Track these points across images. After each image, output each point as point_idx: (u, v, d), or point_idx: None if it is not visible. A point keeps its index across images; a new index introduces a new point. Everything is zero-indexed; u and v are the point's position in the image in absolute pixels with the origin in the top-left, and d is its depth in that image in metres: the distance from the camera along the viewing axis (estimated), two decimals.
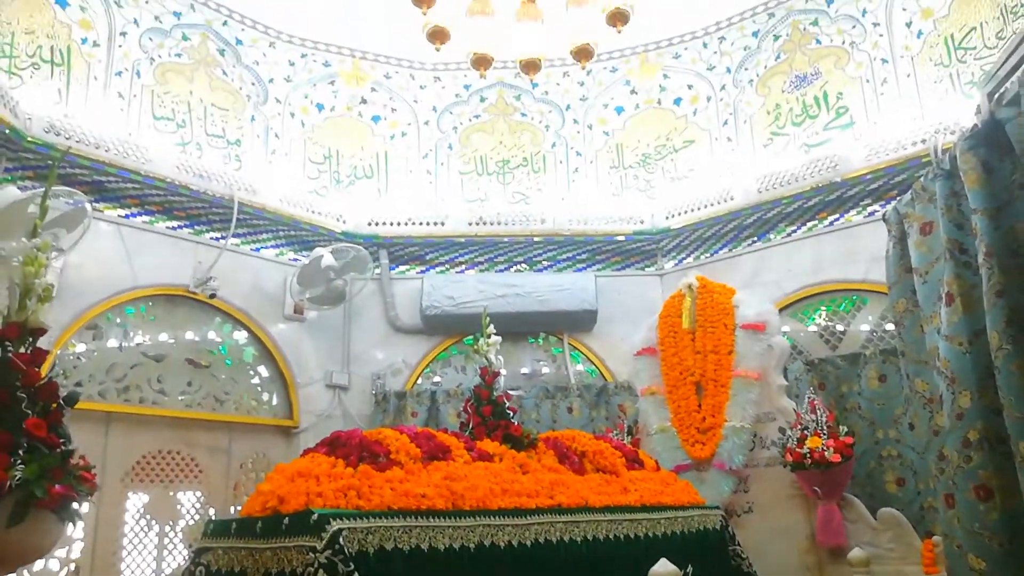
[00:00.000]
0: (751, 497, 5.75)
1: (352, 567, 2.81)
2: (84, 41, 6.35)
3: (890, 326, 6.00)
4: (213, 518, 4.40)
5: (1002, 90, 3.02)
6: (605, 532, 3.88)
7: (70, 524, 2.52)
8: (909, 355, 3.81)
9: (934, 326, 3.47)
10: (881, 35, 6.90)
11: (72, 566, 5.33)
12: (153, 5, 6.77)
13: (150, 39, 6.78)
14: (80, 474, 2.50)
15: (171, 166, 6.43)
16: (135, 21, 6.67)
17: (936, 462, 3.42)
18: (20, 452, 2.36)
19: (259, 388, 6.85)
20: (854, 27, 7.09)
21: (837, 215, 6.79)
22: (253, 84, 7.46)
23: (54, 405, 2.55)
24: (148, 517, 5.88)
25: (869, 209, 6.56)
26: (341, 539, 2.87)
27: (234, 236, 6.77)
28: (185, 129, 6.88)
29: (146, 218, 6.35)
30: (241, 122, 7.33)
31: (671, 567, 2.60)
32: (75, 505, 2.47)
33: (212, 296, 6.41)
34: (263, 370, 6.89)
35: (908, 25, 6.78)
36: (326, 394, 7.14)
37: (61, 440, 2.51)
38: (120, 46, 6.55)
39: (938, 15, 6.61)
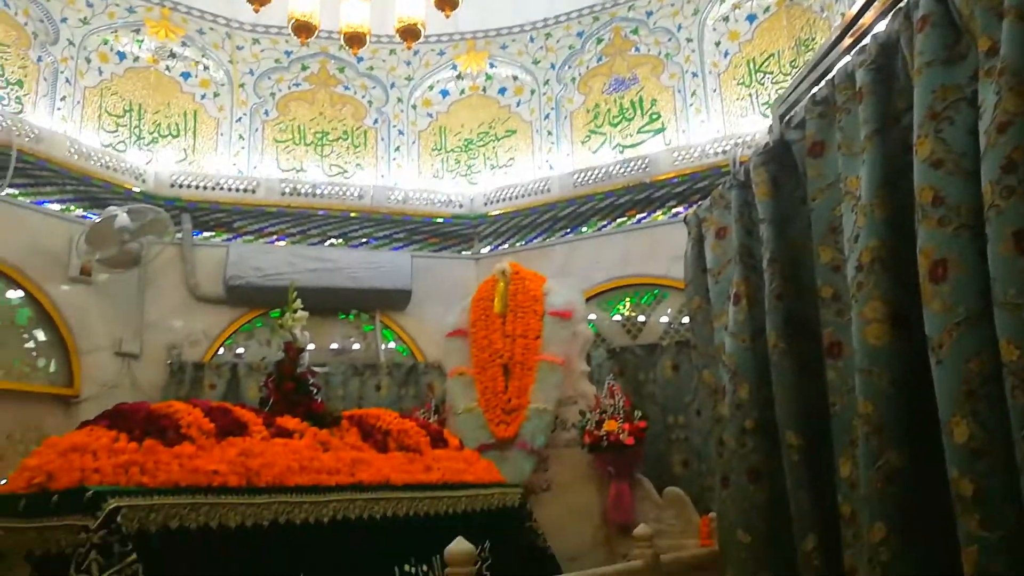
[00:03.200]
0: (550, 476, 5.97)
1: (130, 547, 2.61)
2: None
3: (686, 320, 6.44)
4: None
5: (792, 114, 3.31)
6: (406, 509, 3.88)
7: None
8: (699, 348, 4.09)
9: (722, 323, 3.75)
10: (693, 51, 7.37)
11: None
12: None
13: None
14: None
15: None
16: None
17: (716, 447, 3.71)
18: None
19: (34, 353, 6.21)
20: (670, 39, 7.52)
21: (644, 213, 7.18)
22: (41, 21, 6.72)
23: None
24: None
25: (674, 210, 6.99)
26: (119, 517, 2.66)
27: (11, 186, 6.07)
28: None
29: None
30: (25, 62, 6.58)
31: (467, 545, 2.64)
32: None
33: None
34: (40, 334, 6.25)
35: (717, 44, 7.29)
36: (113, 363, 6.60)
37: None
38: None
39: (743, 39, 7.16)
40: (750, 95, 7.04)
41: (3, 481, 3.43)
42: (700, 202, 4.32)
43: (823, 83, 3.00)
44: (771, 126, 3.49)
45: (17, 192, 6.19)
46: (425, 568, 3.83)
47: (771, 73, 6.94)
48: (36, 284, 6.18)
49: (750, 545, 3.34)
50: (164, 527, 2.81)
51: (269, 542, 3.16)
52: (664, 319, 6.91)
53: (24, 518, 2.85)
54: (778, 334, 3.16)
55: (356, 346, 7.53)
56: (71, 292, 6.41)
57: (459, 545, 2.64)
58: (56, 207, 6.50)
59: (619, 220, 7.29)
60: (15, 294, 6.12)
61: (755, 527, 3.33)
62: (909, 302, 2.34)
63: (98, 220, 6.26)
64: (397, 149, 8.14)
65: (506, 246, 7.79)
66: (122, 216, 6.22)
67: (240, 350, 7.24)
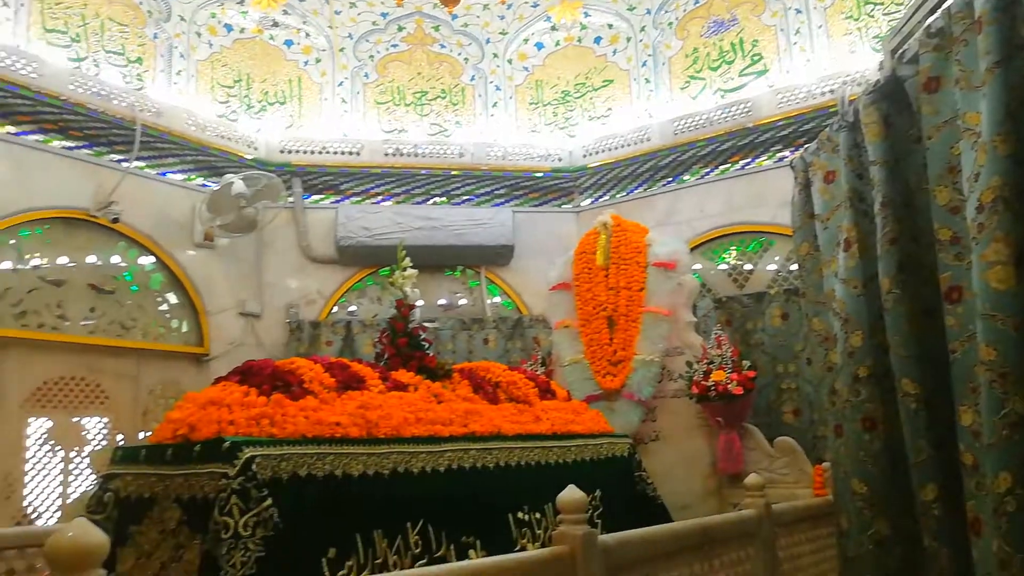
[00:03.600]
0: (658, 426, 6.00)
1: (266, 492, 2.82)
2: None
3: (794, 267, 6.28)
4: (121, 444, 4.32)
5: (904, 48, 3.14)
6: (517, 459, 4.00)
7: None
8: (809, 296, 4.01)
9: (832, 270, 3.66)
10: None
11: None
12: None
13: None
14: None
15: (65, 83, 6.06)
16: None
17: (828, 396, 3.65)
18: None
19: (168, 315, 6.67)
20: None
21: (749, 159, 6.99)
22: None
23: None
24: (52, 443, 5.72)
25: (779, 155, 6.77)
26: (254, 465, 2.87)
27: (138, 159, 6.47)
28: (80, 44, 6.47)
29: (39, 137, 5.99)
30: (142, 40, 6.94)
31: (579, 493, 2.71)
32: None
33: (115, 220, 6.15)
34: (172, 297, 6.70)
35: None
36: (238, 322, 7.01)
37: None
38: None
39: None
40: (859, 30, 6.68)
41: (150, 432, 3.74)
42: (806, 145, 4.19)
43: (938, 13, 2.84)
44: (882, 62, 3.34)
45: (144, 164, 6.59)
46: (538, 516, 3.96)
47: (881, 4, 6.55)
48: (166, 251, 6.61)
49: (866, 495, 3.29)
50: (294, 475, 3.01)
51: (389, 490, 3.33)
52: (772, 267, 6.76)
53: (171, 466, 3.12)
54: (892, 280, 3.07)
55: (463, 301, 7.71)
56: (196, 257, 6.82)
57: (571, 493, 2.71)
58: (179, 177, 6.89)
59: (722, 167, 7.13)
60: (147, 260, 6.56)
61: (871, 476, 3.28)
62: None
63: (217, 188, 6.61)
64: (495, 105, 8.17)
65: (607, 198, 7.75)
66: (238, 183, 6.54)
67: (352, 308, 7.54)
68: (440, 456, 3.62)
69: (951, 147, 2.72)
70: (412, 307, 4.61)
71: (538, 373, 5.82)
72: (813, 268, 3.94)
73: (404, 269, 4.69)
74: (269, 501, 2.83)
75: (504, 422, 4.12)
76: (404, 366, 4.28)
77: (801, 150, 4.15)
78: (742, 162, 7.02)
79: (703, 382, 5.45)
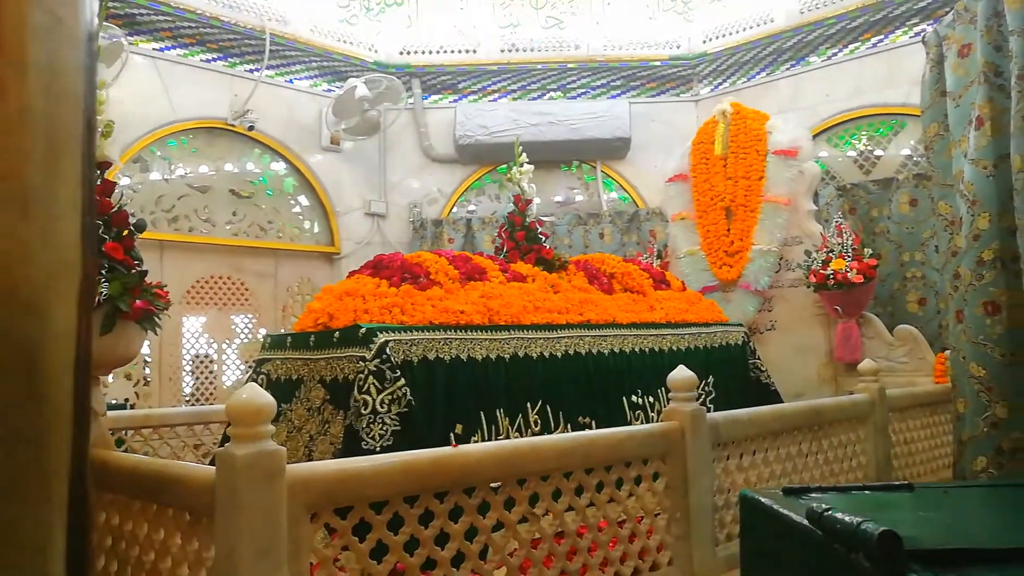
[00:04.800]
0: (774, 316, 6.00)
1: (399, 373, 3.11)
2: None
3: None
4: (268, 334, 4.78)
5: None
6: (631, 346, 4.17)
7: (151, 333, 2.83)
8: (936, 179, 3.88)
9: (962, 150, 3.52)
10: None
11: (143, 378, 5.85)
12: None
13: None
14: (155, 291, 2.76)
15: None
16: None
17: (952, 280, 3.59)
18: (102, 272, 2.62)
19: (300, 217, 7.11)
20: None
21: (881, 36, 6.57)
22: None
23: (126, 232, 2.79)
24: (206, 336, 6.34)
25: (916, 29, 6.32)
26: (388, 349, 3.16)
27: (268, 68, 6.78)
28: None
29: (180, 51, 6.37)
30: None
31: (688, 372, 2.84)
32: (155, 318, 2.76)
33: (251, 128, 6.53)
34: (303, 199, 7.12)
35: None
36: (365, 222, 7.39)
37: (136, 262, 2.76)
38: None
39: None
40: None
41: (294, 320, 4.12)
42: (942, 18, 3.95)
43: None
44: None
45: (273, 73, 6.91)
46: (651, 399, 4.14)
47: None
48: (296, 155, 6.98)
49: (984, 378, 3.28)
50: (423, 358, 3.29)
51: (509, 373, 3.58)
52: (905, 151, 6.42)
53: (314, 351, 3.47)
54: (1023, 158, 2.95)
55: (579, 196, 7.78)
56: (324, 160, 7.18)
57: (681, 372, 2.85)
58: (305, 84, 7.18)
59: (852, 46, 6.73)
60: (280, 166, 6.97)
61: (990, 360, 3.25)
62: None
63: (341, 92, 6.87)
64: None
65: (727, 85, 7.50)
66: (361, 87, 6.77)
67: (472, 207, 7.76)
68: (557, 342, 3.82)
69: None
70: (529, 202, 4.75)
71: (653, 265, 5.91)
72: (942, 149, 3.80)
73: (521, 165, 4.82)
74: (402, 381, 3.12)
75: (618, 311, 4.26)
76: (522, 258, 4.47)
77: (936, 23, 3.92)
78: (874, 39, 6.60)
79: (822, 271, 5.38)
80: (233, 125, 6.50)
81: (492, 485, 2.31)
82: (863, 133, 6.68)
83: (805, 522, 1.06)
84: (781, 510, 1.23)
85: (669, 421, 2.81)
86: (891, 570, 0.76)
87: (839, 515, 0.92)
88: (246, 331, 6.58)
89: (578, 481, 2.52)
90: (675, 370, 2.88)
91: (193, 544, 1.91)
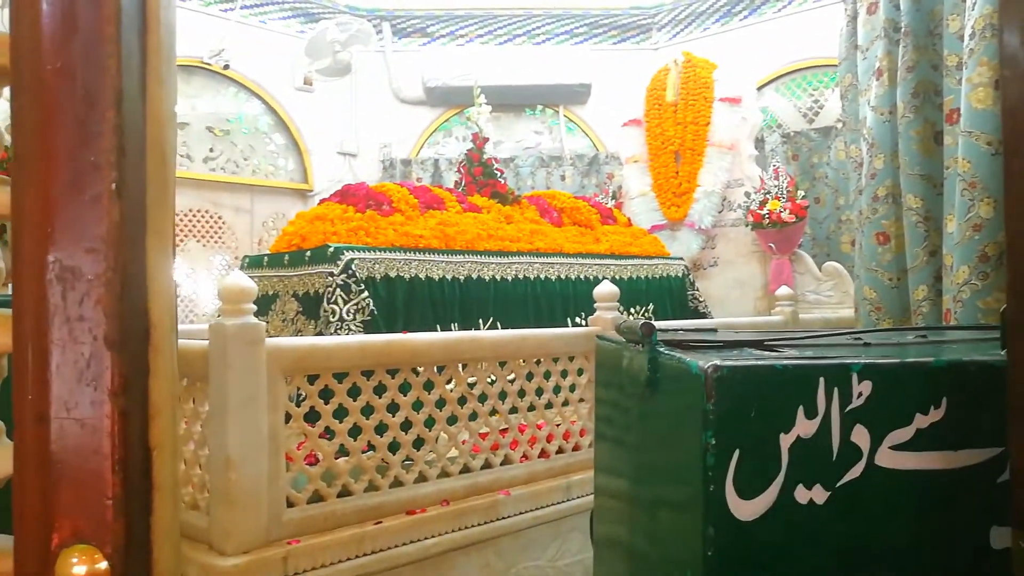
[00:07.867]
0: (717, 253, 6.48)
1: (363, 287, 3.53)
2: None
3: None
4: (246, 255, 5.14)
5: None
6: (577, 273, 4.61)
7: None
8: (848, 125, 4.32)
9: (866, 99, 3.95)
10: None
11: None
12: None
13: None
14: None
15: None
16: None
17: (857, 216, 4.05)
18: None
19: (275, 155, 7.43)
20: None
21: None
22: None
23: None
24: (187, 266, 6.71)
25: None
26: (353, 266, 3.57)
27: (242, 8, 7.02)
28: None
29: None
30: None
31: (611, 287, 3.29)
32: None
33: (226, 67, 6.79)
34: (278, 138, 7.43)
35: None
36: (337, 160, 7.72)
37: None
38: None
39: None
40: None
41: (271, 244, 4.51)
42: None
43: None
44: None
45: (247, 13, 7.15)
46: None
47: None
48: (271, 95, 7.27)
49: (874, 299, 3.76)
50: (385, 275, 3.71)
51: (464, 292, 4.01)
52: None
53: (288, 268, 3.88)
54: (906, 105, 3.40)
55: (542, 140, 8.15)
56: (297, 100, 7.47)
57: (605, 287, 3.30)
58: (279, 24, 7.43)
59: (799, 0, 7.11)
60: (255, 105, 7.25)
61: (879, 284, 3.74)
62: None
63: (313, 34, 7.14)
64: None
65: (684, 34, 7.86)
66: (332, 28, 7.04)
67: (440, 148, 8.11)
68: (508, 267, 4.26)
69: None
70: (486, 140, 5.13)
71: (609, 206, 6.34)
72: (854, 98, 4.22)
73: (479, 106, 5.19)
74: (366, 293, 3.54)
75: (567, 242, 4.70)
76: (479, 192, 4.88)
77: None
78: None
79: (759, 211, 5.84)
80: (209, 64, 6.76)
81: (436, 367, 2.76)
82: (808, 84, 7.09)
83: (617, 335, 1.44)
84: (611, 338, 1.58)
85: (593, 326, 3.28)
86: (649, 348, 1.19)
87: (628, 323, 1.33)
88: (224, 262, 6.95)
89: (511, 370, 2.98)
90: (600, 284, 3.33)
91: (190, 403, 2.35)
